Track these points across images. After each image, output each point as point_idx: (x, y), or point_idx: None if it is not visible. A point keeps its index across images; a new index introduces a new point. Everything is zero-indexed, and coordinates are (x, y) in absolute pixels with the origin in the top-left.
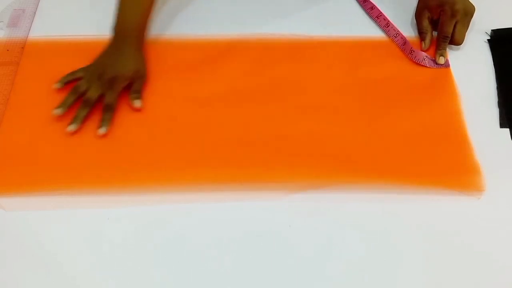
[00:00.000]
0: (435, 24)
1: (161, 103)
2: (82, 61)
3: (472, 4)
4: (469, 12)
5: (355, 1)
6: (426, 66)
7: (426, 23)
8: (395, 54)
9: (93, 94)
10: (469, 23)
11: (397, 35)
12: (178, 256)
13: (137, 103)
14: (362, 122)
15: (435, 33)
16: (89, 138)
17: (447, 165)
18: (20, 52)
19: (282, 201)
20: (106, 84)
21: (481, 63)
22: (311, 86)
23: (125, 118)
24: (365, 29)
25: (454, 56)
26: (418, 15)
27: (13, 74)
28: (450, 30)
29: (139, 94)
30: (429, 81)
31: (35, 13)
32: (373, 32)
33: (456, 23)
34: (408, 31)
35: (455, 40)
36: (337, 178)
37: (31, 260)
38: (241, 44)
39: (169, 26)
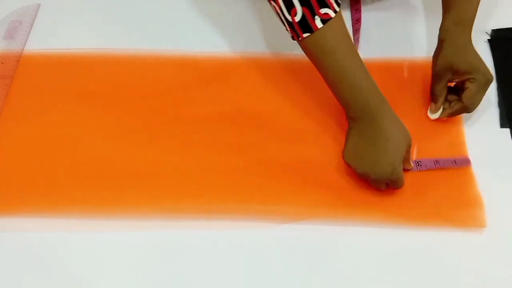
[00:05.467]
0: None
1: (154, 124)
2: (78, 76)
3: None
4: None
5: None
6: (443, 167)
7: (443, 85)
8: (398, 77)
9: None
10: None
11: None
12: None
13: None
14: None
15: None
16: (83, 158)
17: (448, 199)
18: (15, 66)
19: (275, 230)
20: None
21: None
22: (309, 110)
23: (116, 140)
24: (369, 52)
25: None
26: (438, 74)
27: (7, 88)
28: (479, 102)
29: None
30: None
31: (32, 25)
32: (376, 54)
33: None
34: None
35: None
36: (335, 210)
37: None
38: (238, 63)
39: (166, 40)
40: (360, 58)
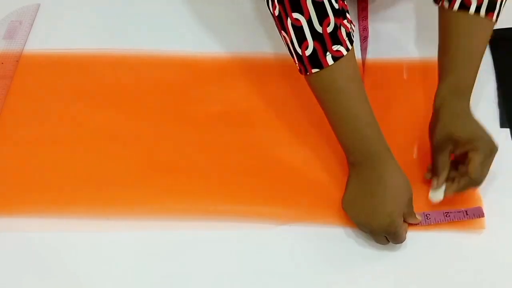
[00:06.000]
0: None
1: (153, 124)
2: (78, 76)
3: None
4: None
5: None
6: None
7: (446, 157)
8: (398, 78)
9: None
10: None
11: None
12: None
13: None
14: None
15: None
16: (82, 158)
17: (447, 200)
18: (14, 66)
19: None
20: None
21: (481, 63)
22: (310, 111)
23: (116, 140)
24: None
25: None
26: (438, 146)
27: (7, 88)
28: (486, 174)
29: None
30: (432, 107)
31: (32, 25)
32: (375, 55)
33: None
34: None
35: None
36: (335, 211)
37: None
38: (238, 63)
39: (166, 41)
40: (368, 102)
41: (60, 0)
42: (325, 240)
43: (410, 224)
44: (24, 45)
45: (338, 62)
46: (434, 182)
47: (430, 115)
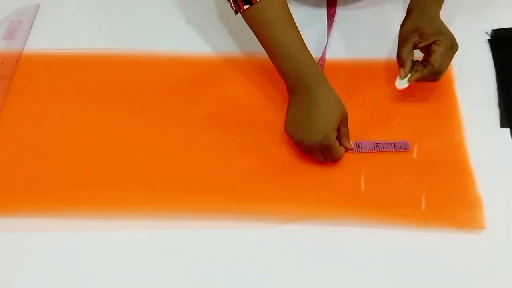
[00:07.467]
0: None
1: (153, 123)
2: (79, 76)
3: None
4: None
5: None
6: (382, 151)
7: (409, 48)
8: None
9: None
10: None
11: None
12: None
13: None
14: (360, 153)
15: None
16: (82, 158)
17: (448, 200)
18: (14, 66)
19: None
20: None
21: (481, 63)
22: None
23: (116, 140)
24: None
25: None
26: (404, 37)
27: (6, 88)
28: (447, 66)
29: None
30: (432, 107)
31: (32, 25)
32: (369, 54)
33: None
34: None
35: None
36: (334, 210)
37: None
38: (238, 63)
39: (165, 41)
40: (298, 32)
41: (60, 0)
42: (325, 240)
43: (346, 150)
44: (24, 45)
45: None
46: (401, 71)
47: (429, 115)
